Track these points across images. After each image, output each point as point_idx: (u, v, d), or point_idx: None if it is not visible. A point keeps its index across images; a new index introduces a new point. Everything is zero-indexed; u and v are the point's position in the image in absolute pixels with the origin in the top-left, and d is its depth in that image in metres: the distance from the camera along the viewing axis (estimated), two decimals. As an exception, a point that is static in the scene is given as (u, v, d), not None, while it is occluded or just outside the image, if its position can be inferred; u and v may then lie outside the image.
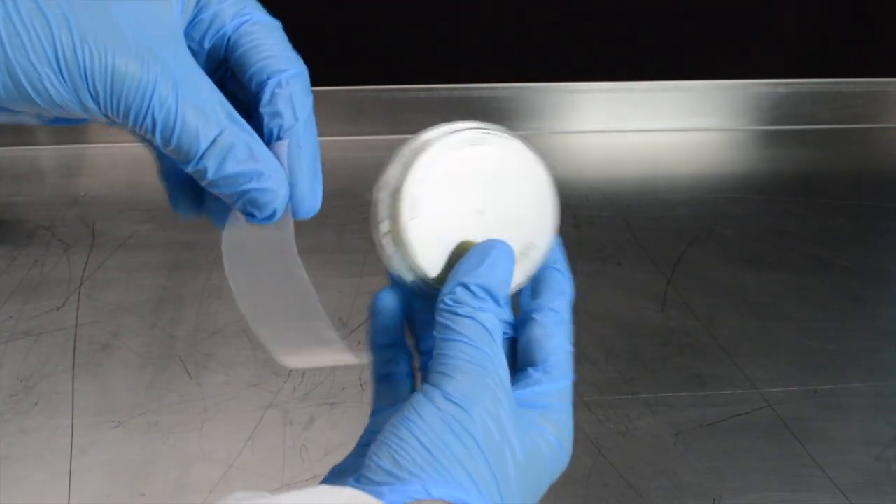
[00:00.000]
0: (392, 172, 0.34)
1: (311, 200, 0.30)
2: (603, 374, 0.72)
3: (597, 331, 0.77)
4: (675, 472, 0.64)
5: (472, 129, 0.34)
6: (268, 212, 0.28)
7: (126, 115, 0.25)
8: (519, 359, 0.35)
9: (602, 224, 0.94)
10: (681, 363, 0.74)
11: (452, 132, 0.34)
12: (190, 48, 0.29)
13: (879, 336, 0.79)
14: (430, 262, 0.34)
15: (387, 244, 0.34)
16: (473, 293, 0.32)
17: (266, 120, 0.29)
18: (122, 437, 0.65)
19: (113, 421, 0.66)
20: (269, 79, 0.29)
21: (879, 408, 0.71)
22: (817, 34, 1.15)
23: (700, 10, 1.09)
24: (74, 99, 0.25)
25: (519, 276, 0.36)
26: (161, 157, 0.31)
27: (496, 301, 0.32)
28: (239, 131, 0.27)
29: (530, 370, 0.34)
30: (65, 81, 0.25)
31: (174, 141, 0.26)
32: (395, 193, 0.33)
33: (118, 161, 1.02)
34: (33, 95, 0.25)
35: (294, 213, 0.30)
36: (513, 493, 0.30)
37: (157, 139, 0.26)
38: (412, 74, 1.05)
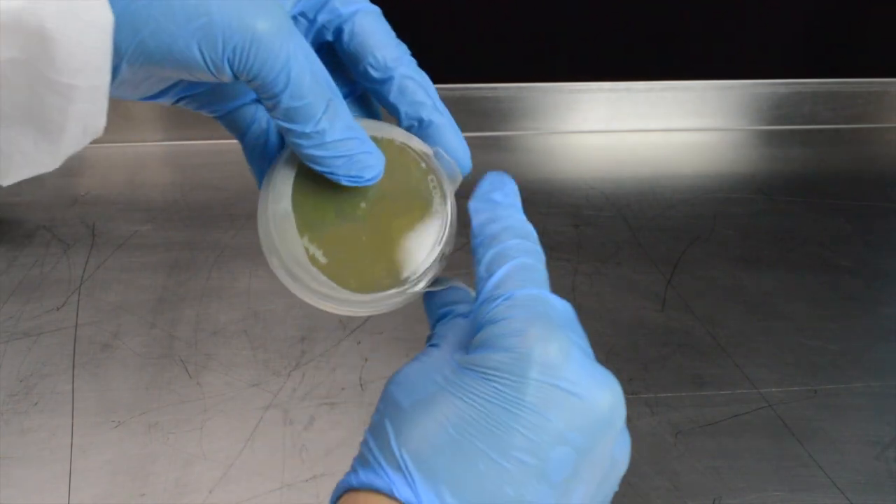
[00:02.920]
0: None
1: (468, 161, 0.33)
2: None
3: (597, 331, 0.77)
4: (675, 472, 0.64)
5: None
6: (374, 173, 0.30)
7: (257, 76, 0.27)
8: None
9: (602, 224, 0.94)
10: (681, 363, 0.74)
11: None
12: (297, 25, 0.31)
13: (879, 336, 0.79)
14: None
15: None
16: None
17: (405, 109, 0.32)
18: (122, 437, 0.65)
19: (113, 421, 0.66)
20: (394, 70, 0.31)
21: (879, 408, 0.71)
22: (818, 34, 1.15)
23: (700, 10, 1.09)
24: (205, 61, 0.26)
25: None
26: (248, 144, 0.33)
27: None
28: (341, 100, 0.29)
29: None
30: (196, 47, 0.26)
31: (301, 101, 0.27)
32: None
33: (118, 161, 1.02)
34: (161, 58, 0.26)
35: (463, 172, 0.33)
36: None
37: (283, 98, 0.27)
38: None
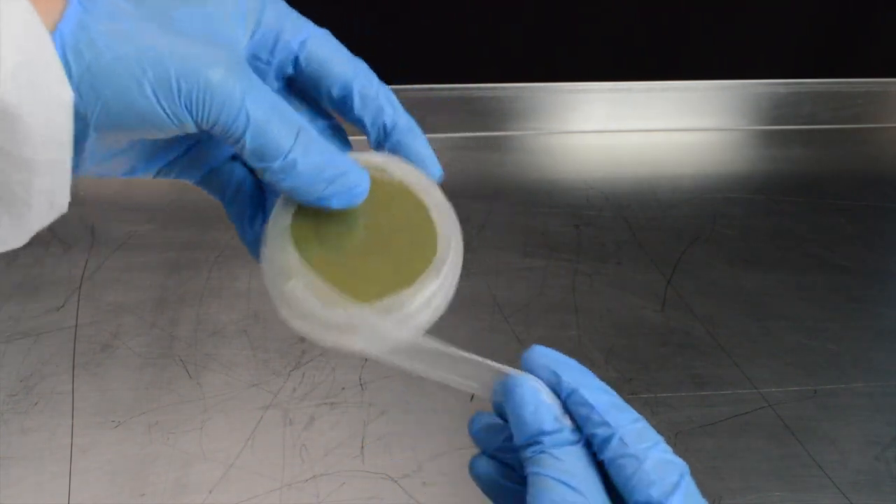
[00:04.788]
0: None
1: (438, 167, 0.33)
2: (603, 374, 0.72)
3: (597, 331, 0.77)
4: (675, 472, 0.64)
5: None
6: (360, 190, 0.30)
7: (217, 121, 0.27)
8: (616, 485, 0.29)
9: (602, 224, 0.94)
10: (681, 363, 0.74)
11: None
12: (256, 66, 0.31)
13: (879, 336, 0.79)
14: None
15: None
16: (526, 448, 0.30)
17: (370, 119, 0.32)
18: (122, 437, 0.65)
19: (113, 421, 0.66)
20: (352, 84, 0.32)
21: (879, 408, 0.71)
22: (818, 34, 1.15)
23: (700, 10, 1.09)
24: (167, 114, 0.27)
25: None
26: (229, 202, 0.34)
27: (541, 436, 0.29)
28: (311, 127, 0.29)
29: None
30: (154, 97, 0.26)
31: (266, 137, 0.28)
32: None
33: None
34: (125, 116, 0.27)
35: (433, 175, 0.33)
36: None
37: (248, 140, 0.28)
38: (412, 74, 1.05)
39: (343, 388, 0.70)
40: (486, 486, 0.32)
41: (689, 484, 0.28)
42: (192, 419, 0.66)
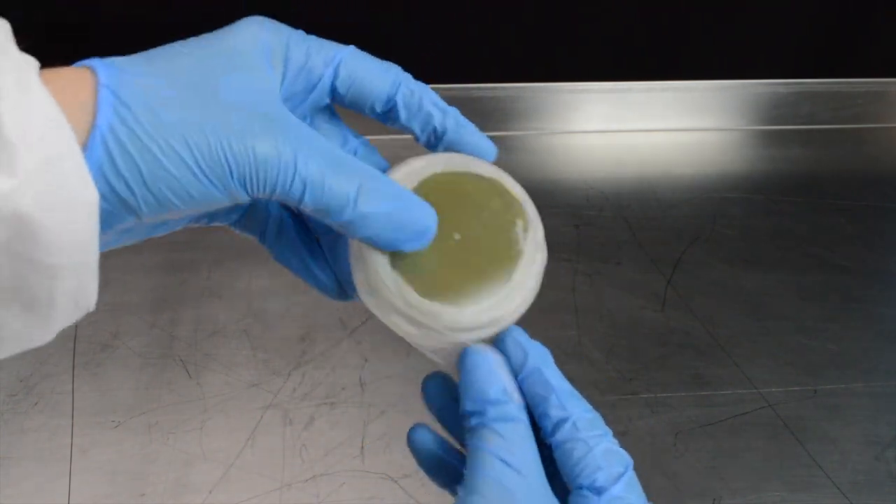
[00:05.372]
0: None
1: (493, 147, 0.33)
2: (603, 374, 0.72)
3: (597, 331, 0.77)
4: (675, 472, 0.64)
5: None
6: (429, 235, 0.30)
7: (273, 190, 0.27)
8: (560, 468, 0.29)
9: (602, 224, 0.94)
10: (681, 363, 0.74)
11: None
12: (293, 105, 0.30)
13: (879, 336, 0.79)
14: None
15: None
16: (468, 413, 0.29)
17: (420, 126, 0.32)
18: (122, 437, 0.65)
19: (113, 421, 0.66)
20: (395, 97, 0.31)
21: (879, 408, 0.71)
22: (817, 34, 1.15)
23: (700, 10, 1.09)
24: (220, 192, 0.26)
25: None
26: (269, 240, 0.33)
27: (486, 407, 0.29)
28: (376, 174, 0.29)
29: (585, 492, 0.28)
30: (206, 179, 0.26)
31: (326, 195, 0.27)
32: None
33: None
34: (177, 202, 0.26)
35: (489, 160, 0.33)
36: None
37: (307, 201, 0.27)
38: (412, 74, 1.05)
39: (343, 388, 0.70)
40: (424, 459, 0.32)
41: (632, 476, 0.28)
42: (192, 419, 0.66)
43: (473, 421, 0.28)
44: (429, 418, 0.33)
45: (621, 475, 0.28)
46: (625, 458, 0.28)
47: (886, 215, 0.99)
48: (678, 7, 1.08)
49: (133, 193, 0.25)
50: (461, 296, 0.30)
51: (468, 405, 0.29)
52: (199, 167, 0.25)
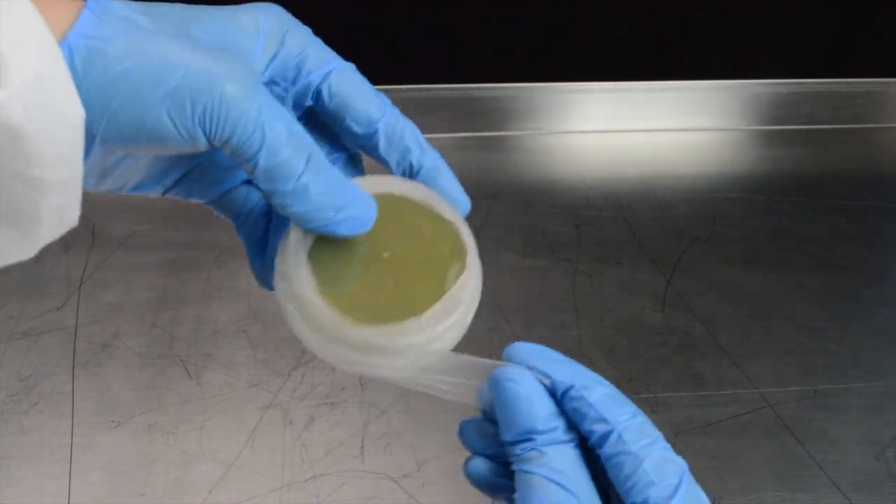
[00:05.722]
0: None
1: (467, 201, 0.33)
2: (603, 374, 0.71)
3: (597, 331, 0.77)
4: (675, 472, 0.64)
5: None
6: (367, 219, 0.29)
7: (230, 139, 0.26)
8: (613, 482, 0.28)
9: (602, 224, 0.94)
10: (681, 363, 0.74)
11: None
12: (273, 93, 0.30)
13: (879, 336, 0.79)
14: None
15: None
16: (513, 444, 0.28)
17: (396, 159, 0.32)
18: (122, 437, 0.65)
19: (113, 421, 0.66)
20: (377, 123, 0.31)
21: (879, 408, 0.71)
22: (817, 34, 1.15)
23: (700, 10, 1.09)
24: (177, 129, 0.26)
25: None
26: (242, 228, 0.33)
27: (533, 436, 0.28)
28: (321, 152, 0.28)
29: None
30: (165, 111, 0.25)
31: (279, 157, 0.27)
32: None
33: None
34: (132, 131, 0.26)
35: (461, 209, 0.32)
36: None
37: (261, 159, 0.27)
38: (412, 74, 1.05)
39: (343, 388, 0.70)
40: (481, 485, 0.31)
41: (688, 484, 0.27)
42: (192, 419, 0.66)
43: (520, 449, 0.27)
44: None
45: (676, 487, 0.27)
46: (678, 464, 0.27)
47: (886, 215, 0.99)
48: (678, 7, 1.08)
49: (90, 112, 0.25)
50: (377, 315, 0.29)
51: (514, 436, 0.28)
52: (161, 96, 0.25)
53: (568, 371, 0.29)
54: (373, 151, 0.32)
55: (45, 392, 0.68)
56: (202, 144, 0.27)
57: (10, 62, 0.22)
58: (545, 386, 0.28)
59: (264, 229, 0.33)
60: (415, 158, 0.32)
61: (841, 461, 0.65)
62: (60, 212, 0.26)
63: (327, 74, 0.30)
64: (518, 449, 0.27)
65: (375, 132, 0.31)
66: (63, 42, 0.25)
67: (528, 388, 0.28)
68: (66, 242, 0.87)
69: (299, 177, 0.27)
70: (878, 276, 0.88)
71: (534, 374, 0.29)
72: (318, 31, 0.31)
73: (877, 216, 0.98)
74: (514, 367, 0.29)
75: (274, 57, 0.30)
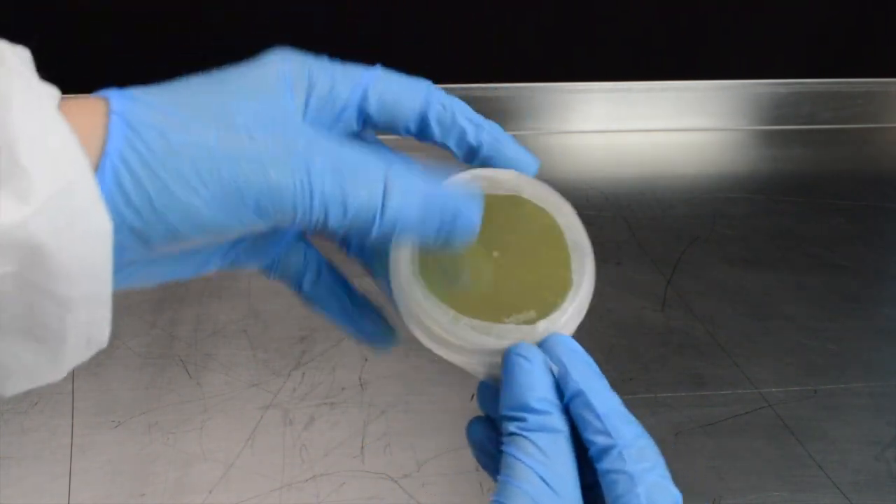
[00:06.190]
0: None
1: (534, 161, 0.32)
2: (603, 374, 0.72)
3: (597, 331, 0.77)
4: (675, 472, 0.64)
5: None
6: (473, 223, 0.28)
7: (293, 215, 0.25)
8: (604, 494, 0.28)
9: (602, 224, 0.94)
10: (681, 363, 0.74)
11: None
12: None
13: (879, 336, 0.79)
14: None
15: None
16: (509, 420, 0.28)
17: (455, 142, 0.31)
18: (122, 437, 0.65)
19: (113, 421, 0.66)
20: (427, 115, 0.30)
21: (879, 408, 0.71)
22: (817, 34, 1.15)
23: (700, 10, 1.09)
24: (232, 219, 0.25)
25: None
26: (307, 290, 0.32)
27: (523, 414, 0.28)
28: (404, 164, 0.27)
29: None
30: (217, 205, 0.24)
31: (350, 212, 0.25)
32: None
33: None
34: (186, 230, 0.25)
35: (529, 174, 0.32)
36: None
37: (332, 222, 0.25)
38: (412, 74, 1.05)
39: (343, 388, 0.70)
40: (477, 450, 0.31)
41: None
42: (192, 419, 0.66)
43: (512, 427, 0.27)
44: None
45: None
46: (673, 495, 0.27)
47: (886, 215, 0.99)
48: (679, 7, 1.09)
49: (143, 220, 0.24)
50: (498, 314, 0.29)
51: (507, 409, 0.27)
52: (210, 192, 0.24)
53: (585, 373, 0.28)
54: (431, 140, 0.31)
55: (45, 392, 0.68)
56: (264, 227, 0.26)
57: (35, 177, 0.21)
58: (553, 375, 0.28)
59: (336, 285, 0.32)
60: (472, 137, 0.31)
61: (841, 461, 0.65)
62: (88, 330, 0.25)
63: (364, 92, 0.29)
64: (511, 426, 0.27)
65: (427, 124, 0.30)
66: (103, 160, 0.24)
67: (532, 366, 0.28)
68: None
69: (383, 209, 0.26)
70: (878, 276, 0.88)
71: (546, 359, 0.28)
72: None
73: (877, 216, 0.98)
74: (530, 346, 0.28)
75: (308, 101, 0.28)
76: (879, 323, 0.81)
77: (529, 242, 0.30)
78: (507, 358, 0.28)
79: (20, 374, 0.25)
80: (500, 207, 0.31)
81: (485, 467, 0.31)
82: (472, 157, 0.31)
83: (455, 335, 0.29)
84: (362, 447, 0.65)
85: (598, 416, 0.27)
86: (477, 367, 0.30)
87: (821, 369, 0.75)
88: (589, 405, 0.27)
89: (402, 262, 0.29)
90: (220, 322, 0.77)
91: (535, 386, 0.27)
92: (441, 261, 0.29)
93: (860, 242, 0.93)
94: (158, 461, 0.63)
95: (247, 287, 0.81)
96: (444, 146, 0.31)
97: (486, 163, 0.31)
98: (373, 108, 0.29)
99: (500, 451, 0.28)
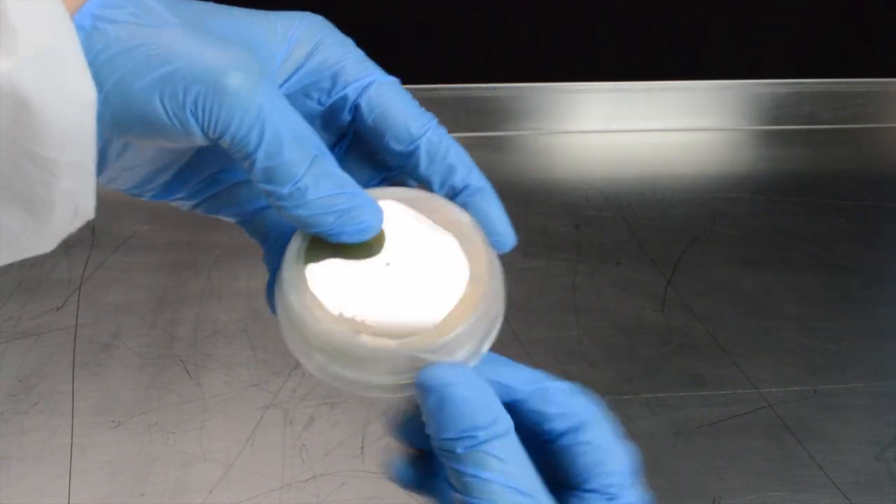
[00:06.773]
0: None
1: (511, 235, 0.30)
2: (603, 374, 0.72)
3: (597, 331, 0.77)
4: (675, 472, 0.64)
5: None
6: (368, 226, 0.27)
7: (225, 132, 0.25)
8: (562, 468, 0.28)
9: (602, 224, 0.94)
10: (681, 363, 0.74)
11: None
12: (305, 107, 0.29)
13: (879, 336, 0.79)
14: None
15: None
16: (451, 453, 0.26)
17: (439, 179, 0.29)
18: (122, 437, 0.65)
19: (113, 421, 0.66)
20: (419, 139, 0.29)
21: (879, 408, 0.71)
22: (817, 34, 1.15)
23: (700, 10, 1.09)
24: (170, 116, 0.25)
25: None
26: (268, 249, 0.31)
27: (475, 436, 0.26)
28: (329, 156, 0.27)
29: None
30: (158, 96, 0.24)
31: (279, 158, 0.25)
32: None
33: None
34: (125, 115, 0.25)
35: (500, 249, 0.30)
36: None
37: (258, 158, 0.25)
38: (412, 74, 1.05)
39: (343, 388, 0.70)
40: (416, 489, 0.29)
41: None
42: (192, 419, 0.66)
43: (462, 448, 0.25)
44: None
45: (635, 475, 0.27)
46: (633, 451, 0.28)
47: (886, 215, 0.99)
48: (679, 8, 1.09)
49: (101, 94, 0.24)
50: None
51: (449, 433, 0.25)
52: (154, 81, 0.24)
53: (524, 375, 0.28)
54: (415, 172, 0.29)
55: (45, 392, 0.68)
56: (197, 136, 0.25)
57: (21, 33, 0.22)
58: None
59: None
60: (459, 178, 0.29)
61: (841, 461, 0.65)
62: (74, 199, 0.25)
63: (366, 87, 0.29)
64: (460, 448, 0.25)
65: (416, 149, 0.29)
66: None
67: (466, 388, 0.26)
68: (67, 242, 0.86)
69: (299, 179, 0.26)
70: (878, 276, 0.88)
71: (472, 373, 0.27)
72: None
73: (877, 216, 0.98)
74: (448, 367, 0.26)
75: (300, 66, 0.28)
76: (879, 323, 0.81)
77: (428, 263, 0.28)
78: (431, 380, 0.26)
79: (8, 243, 0.25)
80: (409, 225, 0.29)
81: (418, 491, 0.30)
82: (453, 199, 0.30)
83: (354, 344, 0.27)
84: (362, 447, 0.65)
85: (552, 402, 0.27)
86: (377, 384, 0.28)
87: (821, 369, 0.75)
88: (542, 398, 0.27)
89: (293, 253, 0.28)
90: (220, 322, 0.77)
91: (479, 404, 0.26)
92: (334, 264, 0.28)
93: (860, 242, 0.93)
94: (158, 461, 0.63)
95: (247, 287, 0.81)
96: (427, 182, 0.29)
97: (463, 207, 0.29)
98: (368, 103, 0.29)
99: (440, 476, 0.28)
